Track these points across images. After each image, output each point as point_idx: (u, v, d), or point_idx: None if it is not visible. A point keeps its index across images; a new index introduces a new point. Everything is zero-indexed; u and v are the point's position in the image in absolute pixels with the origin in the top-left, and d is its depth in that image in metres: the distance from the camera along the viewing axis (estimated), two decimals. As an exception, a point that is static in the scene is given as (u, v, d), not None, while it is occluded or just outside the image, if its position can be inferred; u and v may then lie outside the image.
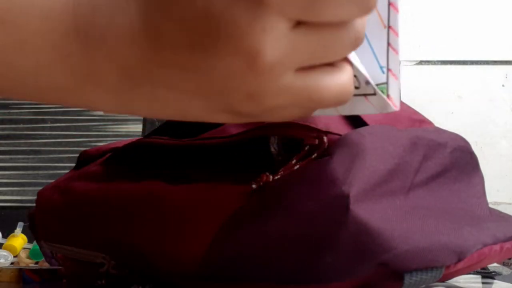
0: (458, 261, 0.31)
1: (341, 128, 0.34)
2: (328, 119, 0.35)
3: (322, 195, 0.30)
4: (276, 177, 0.33)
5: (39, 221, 0.45)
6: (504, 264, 0.49)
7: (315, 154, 0.33)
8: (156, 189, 0.39)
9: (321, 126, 0.34)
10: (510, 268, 0.50)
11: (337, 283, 0.32)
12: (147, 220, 0.38)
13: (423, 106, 1.30)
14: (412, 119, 0.38)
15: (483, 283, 0.52)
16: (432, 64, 1.31)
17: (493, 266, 0.52)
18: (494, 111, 1.28)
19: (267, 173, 0.33)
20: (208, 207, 0.35)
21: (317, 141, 0.33)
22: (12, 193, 1.39)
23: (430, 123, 0.39)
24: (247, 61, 0.22)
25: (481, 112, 1.28)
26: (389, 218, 0.30)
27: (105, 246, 0.41)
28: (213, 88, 0.24)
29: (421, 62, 1.32)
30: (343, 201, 0.30)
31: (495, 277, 0.51)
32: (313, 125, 0.34)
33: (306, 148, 0.34)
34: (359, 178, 0.30)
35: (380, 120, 0.36)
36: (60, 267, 0.50)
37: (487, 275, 0.52)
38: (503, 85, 1.29)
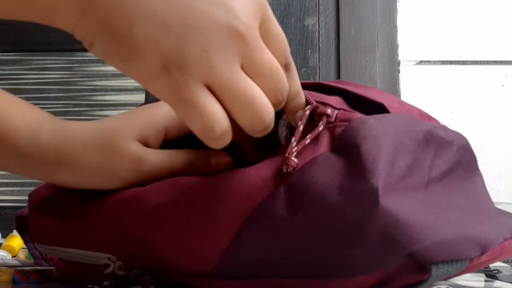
0: (481, 254, 0.32)
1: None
2: (341, 104, 0.35)
3: (350, 188, 0.30)
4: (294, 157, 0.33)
5: (33, 222, 0.43)
6: (505, 261, 0.49)
7: (322, 126, 0.34)
8: (171, 180, 0.37)
9: (331, 103, 0.35)
10: (510, 264, 0.50)
11: (363, 276, 0.32)
12: (163, 215, 0.36)
13: (423, 106, 1.29)
14: (422, 115, 0.38)
15: (485, 281, 0.52)
16: (432, 64, 1.31)
17: (493, 264, 0.52)
18: (494, 111, 1.28)
19: (293, 158, 0.32)
20: (232, 197, 0.33)
21: (328, 111, 0.34)
22: (12, 193, 1.38)
23: (436, 120, 0.39)
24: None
25: (481, 112, 1.28)
26: (416, 211, 0.31)
27: (111, 245, 0.39)
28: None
29: (421, 62, 1.31)
30: (373, 194, 0.30)
31: (497, 276, 0.51)
32: (324, 100, 0.35)
33: (320, 123, 0.34)
34: (384, 171, 0.30)
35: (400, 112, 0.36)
36: (50, 268, 0.49)
37: (490, 274, 0.52)
38: (503, 85, 1.29)
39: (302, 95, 0.35)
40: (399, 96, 1.30)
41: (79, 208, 0.40)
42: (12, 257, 0.70)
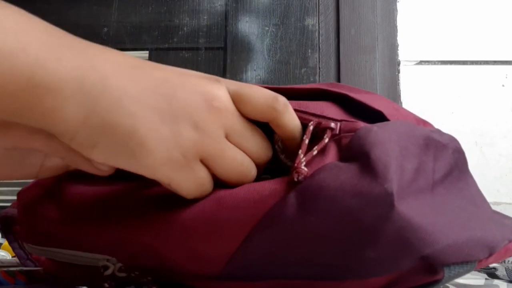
0: (489, 256, 0.33)
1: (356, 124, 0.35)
2: (340, 115, 0.36)
3: (364, 192, 0.31)
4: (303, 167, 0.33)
5: (23, 222, 0.42)
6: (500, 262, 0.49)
7: (327, 139, 0.34)
8: None
9: (331, 115, 0.36)
10: (503, 265, 0.50)
11: (375, 278, 0.33)
12: (165, 219, 0.36)
13: (423, 106, 1.30)
14: (417, 120, 0.39)
15: (486, 279, 0.52)
16: (432, 64, 1.31)
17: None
18: (494, 111, 1.28)
19: (303, 167, 0.33)
20: (241, 203, 0.34)
21: (332, 124, 0.35)
22: (12, 193, 1.39)
23: (430, 124, 0.40)
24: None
25: (481, 112, 1.28)
26: (427, 214, 0.31)
27: (112, 248, 0.38)
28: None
29: (421, 62, 1.32)
30: (388, 198, 0.30)
31: (498, 275, 0.52)
32: (325, 114, 0.35)
33: (325, 136, 0.34)
34: (396, 176, 0.31)
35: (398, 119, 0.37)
36: (37, 269, 0.48)
37: (490, 273, 0.52)
38: (503, 85, 1.29)
39: (300, 128, 0.36)
40: (399, 96, 1.30)
41: (77, 210, 0.39)
42: (12, 257, 0.70)
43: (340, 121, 0.35)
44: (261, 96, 0.35)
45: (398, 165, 0.31)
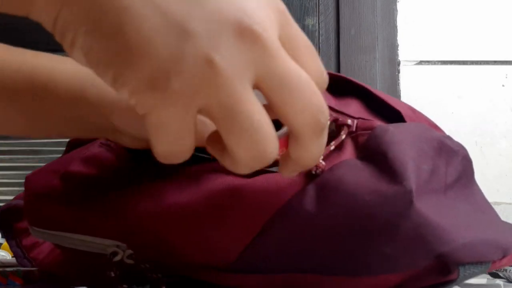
0: (503, 257, 0.33)
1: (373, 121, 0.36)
2: (359, 112, 0.36)
3: (382, 189, 0.31)
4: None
5: (32, 208, 0.42)
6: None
7: (344, 135, 0.35)
8: (192, 174, 0.36)
9: (350, 111, 0.36)
10: (505, 274, 0.51)
11: (386, 275, 0.33)
12: (183, 212, 0.35)
13: (423, 106, 1.30)
14: (430, 123, 0.40)
15: (488, 278, 0.53)
16: (432, 64, 1.31)
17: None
18: (494, 111, 1.28)
19: (321, 161, 0.33)
20: (258, 194, 0.33)
21: (349, 121, 0.35)
22: (12, 193, 1.38)
23: (441, 130, 0.41)
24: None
25: (481, 112, 1.28)
26: (442, 214, 0.32)
27: (125, 234, 0.38)
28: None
29: (421, 62, 1.31)
30: (406, 195, 0.31)
31: (500, 275, 0.52)
32: (343, 110, 0.36)
33: (342, 132, 0.35)
34: (414, 175, 0.31)
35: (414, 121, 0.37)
36: (32, 269, 0.47)
37: (492, 273, 0.53)
38: (503, 85, 1.29)
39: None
40: (399, 96, 1.30)
41: (93, 196, 0.39)
42: (12, 257, 0.70)
43: (357, 118, 0.35)
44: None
45: (415, 165, 0.32)
